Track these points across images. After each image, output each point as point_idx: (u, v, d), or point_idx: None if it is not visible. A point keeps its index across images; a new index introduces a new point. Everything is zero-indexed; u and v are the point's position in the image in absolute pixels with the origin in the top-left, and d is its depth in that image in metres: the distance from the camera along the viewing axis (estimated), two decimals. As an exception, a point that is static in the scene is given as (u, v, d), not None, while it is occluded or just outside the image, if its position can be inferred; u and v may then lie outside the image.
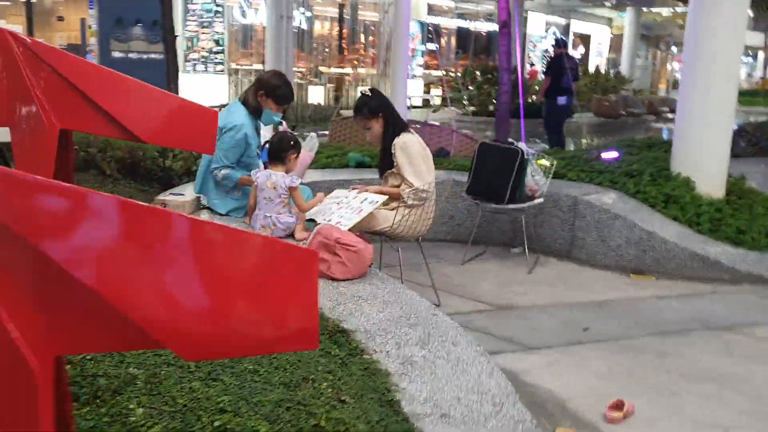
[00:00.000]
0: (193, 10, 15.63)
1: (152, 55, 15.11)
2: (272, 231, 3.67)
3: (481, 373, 2.41)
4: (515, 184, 5.03)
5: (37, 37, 14.20)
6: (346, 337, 2.61)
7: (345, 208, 3.84)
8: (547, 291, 4.81)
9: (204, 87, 15.54)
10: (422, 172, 3.99)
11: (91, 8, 14.37)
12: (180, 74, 15.32)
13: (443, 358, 2.51)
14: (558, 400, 3.15)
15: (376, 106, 4.07)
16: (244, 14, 16.60)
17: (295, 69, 18.41)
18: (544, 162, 5.28)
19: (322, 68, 18.58)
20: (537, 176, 5.16)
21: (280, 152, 3.72)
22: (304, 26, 17.89)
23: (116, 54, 14.76)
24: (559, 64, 9.33)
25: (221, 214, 4.05)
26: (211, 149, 3.30)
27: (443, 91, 16.85)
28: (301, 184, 4.48)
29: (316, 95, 17.26)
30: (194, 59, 15.87)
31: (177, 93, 3.53)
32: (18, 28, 13.32)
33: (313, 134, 4.82)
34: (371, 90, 4.23)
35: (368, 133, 4.17)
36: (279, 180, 3.67)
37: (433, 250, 5.63)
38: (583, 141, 13.51)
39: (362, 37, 19.89)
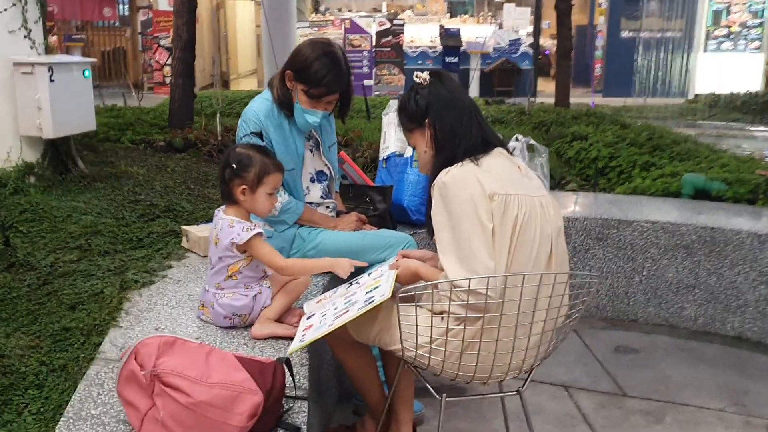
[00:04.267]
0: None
1: (668, 33, 13.39)
2: (212, 316, 2.18)
3: None
4: None
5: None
6: None
7: (342, 300, 2.08)
8: None
9: (730, 69, 12.97)
10: (473, 250, 1.82)
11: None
12: (699, 54, 13.21)
13: None
14: None
15: (421, 105, 2.05)
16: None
17: None
18: None
19: None
20: None
21: (222, 183, 2.16)
22: None
23: (625, 34, 13.58)
24: None
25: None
26: None
27: None
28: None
29: None
30: (721, 36, 13.40)
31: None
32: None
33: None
34: (432, 73, 2.08)
35: (415, 153, 2.37)
36: (223, 230, 2.11)
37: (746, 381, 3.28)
38: None
39: None
